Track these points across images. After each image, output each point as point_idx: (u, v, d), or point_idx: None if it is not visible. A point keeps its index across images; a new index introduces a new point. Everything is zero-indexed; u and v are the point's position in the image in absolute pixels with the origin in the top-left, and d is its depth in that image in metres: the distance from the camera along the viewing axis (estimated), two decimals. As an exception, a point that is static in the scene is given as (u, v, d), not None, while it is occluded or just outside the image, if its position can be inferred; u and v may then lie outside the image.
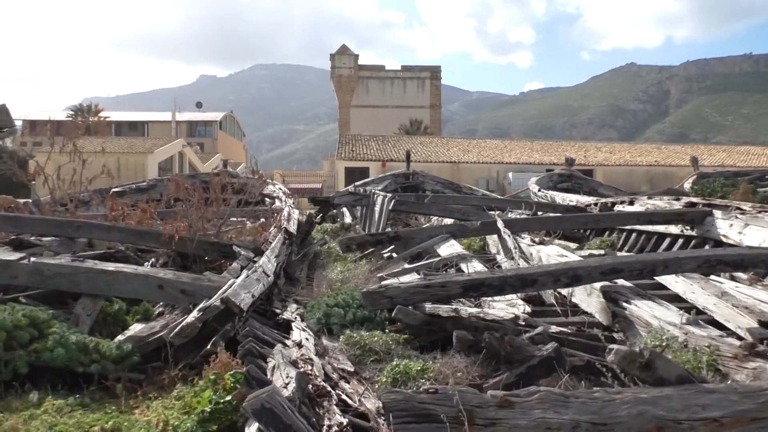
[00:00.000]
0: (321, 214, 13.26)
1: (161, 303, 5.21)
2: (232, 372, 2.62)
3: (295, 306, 5.59)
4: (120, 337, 4.52)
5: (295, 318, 4.86)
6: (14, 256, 4.63)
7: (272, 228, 8.22)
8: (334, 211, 14.46)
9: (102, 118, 55.55)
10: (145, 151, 36.25)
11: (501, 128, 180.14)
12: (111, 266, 4.74)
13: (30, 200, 10.47)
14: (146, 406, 3.56)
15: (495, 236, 7.68)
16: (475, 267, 6.21)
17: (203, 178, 15.29)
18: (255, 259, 6.49)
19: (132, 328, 4.76)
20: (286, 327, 4.65)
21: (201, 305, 4.46)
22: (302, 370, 2.85)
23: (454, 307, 4.32)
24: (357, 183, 17.96)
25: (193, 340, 4.17)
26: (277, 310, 5.10)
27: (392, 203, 8.97)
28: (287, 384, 2.46)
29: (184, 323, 4.13)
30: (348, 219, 14.02)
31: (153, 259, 6.37)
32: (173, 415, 2.93)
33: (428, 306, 4.45)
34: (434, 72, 65.03)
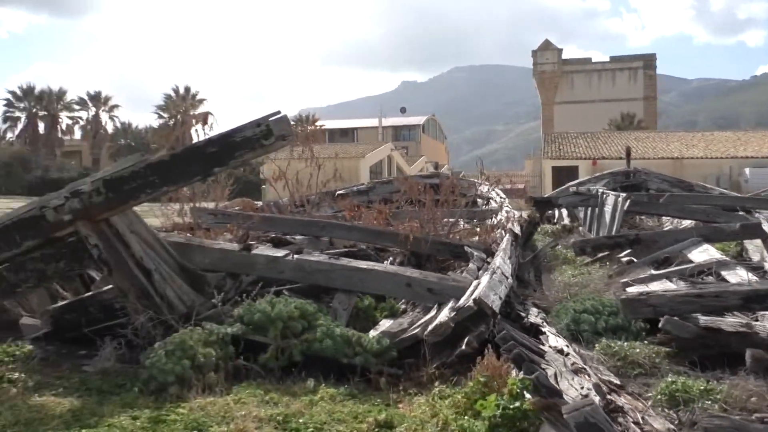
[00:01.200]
0: (538, 215, 12.85)
1: (402, 300, 5.38)
2: (520, 378, 2.51)
3: (535, 309, 5.39)
4: (373, 332, 4.71)
5: (542, 322, 4.66)
6: (280, 252, 5.08)
7: (498, 229, 8.10)
8: (549, 212, 13.95)
9: (318, 127, 60.54)
10: (358, 156, 38.59)
11: (728, 118, 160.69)
12: (363, 264, 4.99)
13: (271, 202, 11.64)
14: (408, 401, 3.64)
15: (758, 241, 6.70)
16: (740, 275, 5.44)
17: (418, 180, 15.78)
18: (488, 260, 6.42)
19: (382, 324, 4.94)
20: (535, 331, 4.47)
21: (450, 305, 4.47)
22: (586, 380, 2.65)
23: (745, 321, 3.78)
24: (572, 183, 17.13)
25: (445, 339, 4.19)
26: (522, 313, 4.94)
27: (627, 204, 8.31)
28: (586, 395, 2.28)
29: (437, 323, 4.16)
30: (566, 220, 13.43)
31: (390, 258, 6.61)
32: (450, 414, 2.92)
33: (702, 318, 3.95)
34: (648, 60, 60.00)
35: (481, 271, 5.78)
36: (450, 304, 4.55)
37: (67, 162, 50.72)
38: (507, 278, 5.47)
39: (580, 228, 10.79)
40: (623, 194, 8.60)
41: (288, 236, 6.58)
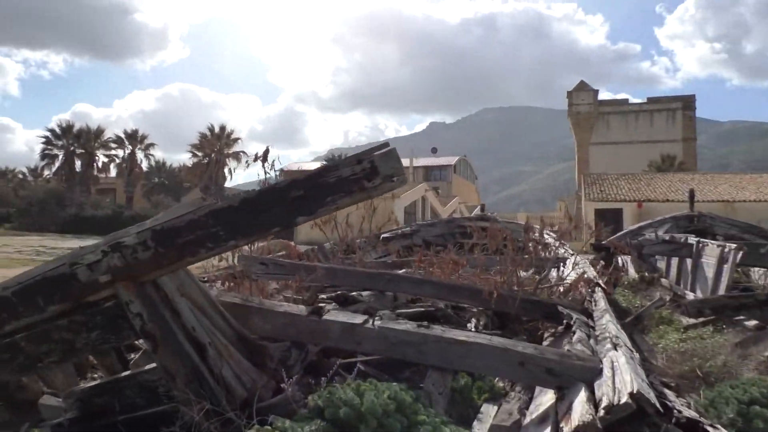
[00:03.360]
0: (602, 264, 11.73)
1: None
2: None
3: (670, 393, 4.32)
4: (477, 425, 3.72)
5: (702, 419, 3.60)
6: (357, 318, 4.14)
7: (581, 284, 7.05)
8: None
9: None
10: (392, 197, 37.74)
11: (763, 161, 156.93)
12: (462, 335, 4.00)
13: (315, 247, 10.73)
14: None
15: None
16: None
17: (462, 222, 14.80)
18: (589, 323, 5.40)
19: (485, 412, 3.95)
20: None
21: (582, 394, 3.45)
22: None
23: None
24: (631, 227, 16.00)
25: (586, 446, 3.17)
26: (668, 403, 3.88)
27: (740, 255, 7.19)
28: None
29: (578, 423, 3.14)
30: (631, 269, 12.30)
31: (474, 320, 5.61)
32: None
33: None
34: (687, 102, 58.71)
35: (592, 341, 4.77)
36: (581, 394, 3.51)
37: (101, 199, 51.08)
38: (633, 352, 4.44)
39: (662, 280, 9.64)
40: (731, 244, 7.51)
41: (353, 292, 5.65)
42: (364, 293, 5.75)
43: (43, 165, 55.80)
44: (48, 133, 53.97)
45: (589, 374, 3.74)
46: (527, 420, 3.71)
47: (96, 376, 4.26)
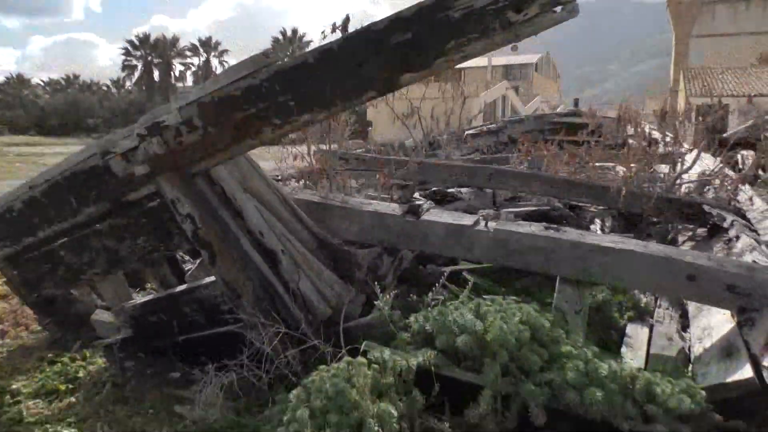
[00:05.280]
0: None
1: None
2: None
3: None
4: (628, 352, 2.86)
5: None
6: (466, 219, 3.27)
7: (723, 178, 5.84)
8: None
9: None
10: (471, 96, 35.87)
11: None
12: (607, 241, 3.06)
13: (395, 143, 9.85)
14: None
15: None
16: None
17: (552, 119, 13.45)
18: (753, 227, 4.33)
19: (633, 335, 3.07)
20: None
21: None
22: None
23: None
24: (752, 121, 14.07)
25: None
26: None
27: None
28: None
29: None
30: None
31: (598, 221, 4.64)
32: None
33: None
34: (809, -19, 51.48)
35: (764, 248, 3.73)
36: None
37: (180, 108, 51.79)
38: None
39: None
40: None
41: (457, 190, 4.77)
42: (463, 190, 4.86)
43: (124, 76, 56.98)
44: (127, 45, 54.68)
45: (785, 292, 2.77)
46: (698, 348, 2.81)
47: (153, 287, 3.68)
